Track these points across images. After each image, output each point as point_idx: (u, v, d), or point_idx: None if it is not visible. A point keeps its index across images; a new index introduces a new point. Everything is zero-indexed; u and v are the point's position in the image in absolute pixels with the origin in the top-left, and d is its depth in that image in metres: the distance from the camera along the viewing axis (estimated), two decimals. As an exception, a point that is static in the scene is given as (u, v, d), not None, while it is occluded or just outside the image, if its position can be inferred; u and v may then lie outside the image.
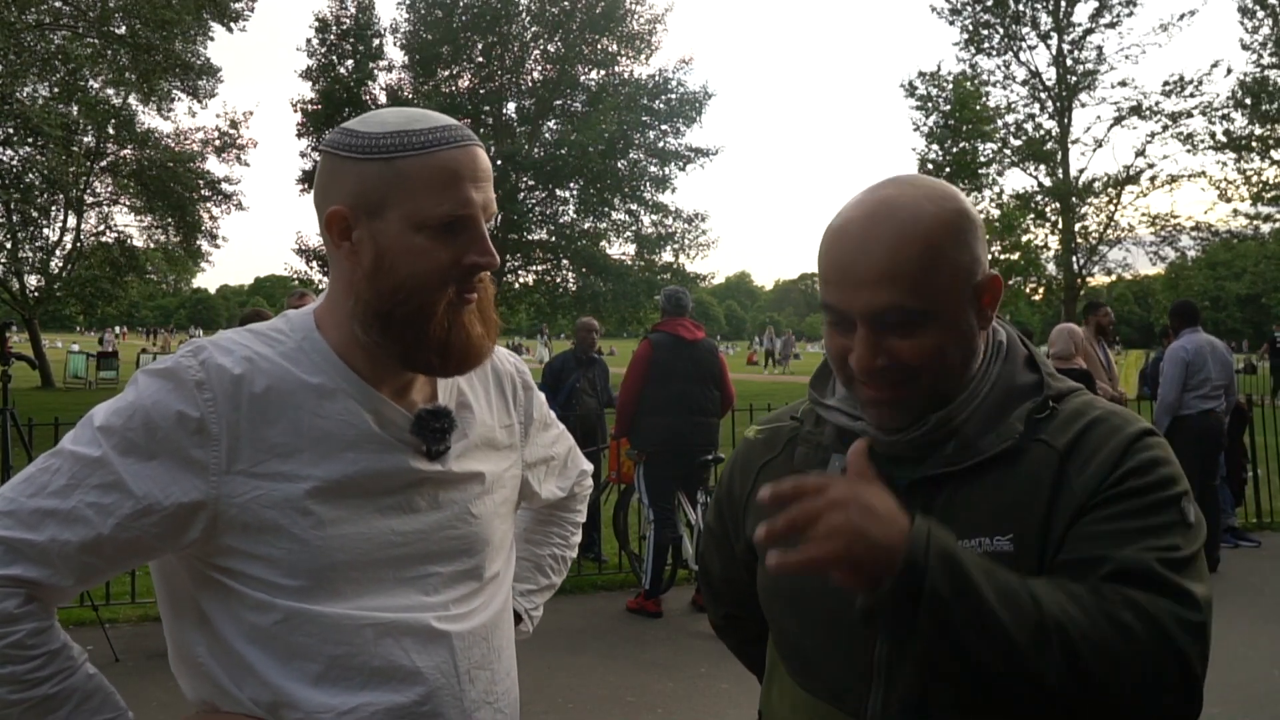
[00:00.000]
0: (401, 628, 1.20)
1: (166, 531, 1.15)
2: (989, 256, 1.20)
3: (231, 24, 23.49)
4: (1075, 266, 26.34)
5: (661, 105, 28.82)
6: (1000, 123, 25.99)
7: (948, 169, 23.20)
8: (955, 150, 23.55)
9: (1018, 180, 36.67)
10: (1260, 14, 24.78)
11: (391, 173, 1.15)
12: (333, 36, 28.23)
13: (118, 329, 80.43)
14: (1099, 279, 27.76)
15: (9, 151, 23.70)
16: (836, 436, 1.25)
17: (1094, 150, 27.96)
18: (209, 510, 1.15)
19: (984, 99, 25.00)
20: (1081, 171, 26.64)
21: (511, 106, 29.56)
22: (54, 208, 25.81)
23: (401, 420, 1.24)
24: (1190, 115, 24.88)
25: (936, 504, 1.16)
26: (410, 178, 1.15)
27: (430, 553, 1.25)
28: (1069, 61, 26.40)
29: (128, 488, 1.12)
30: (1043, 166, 26.42)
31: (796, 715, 1.25)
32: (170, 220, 26.08)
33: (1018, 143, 26.14)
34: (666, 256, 28.87)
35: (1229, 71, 29.95)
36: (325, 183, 1.21)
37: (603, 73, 29.29)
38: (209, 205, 26.21)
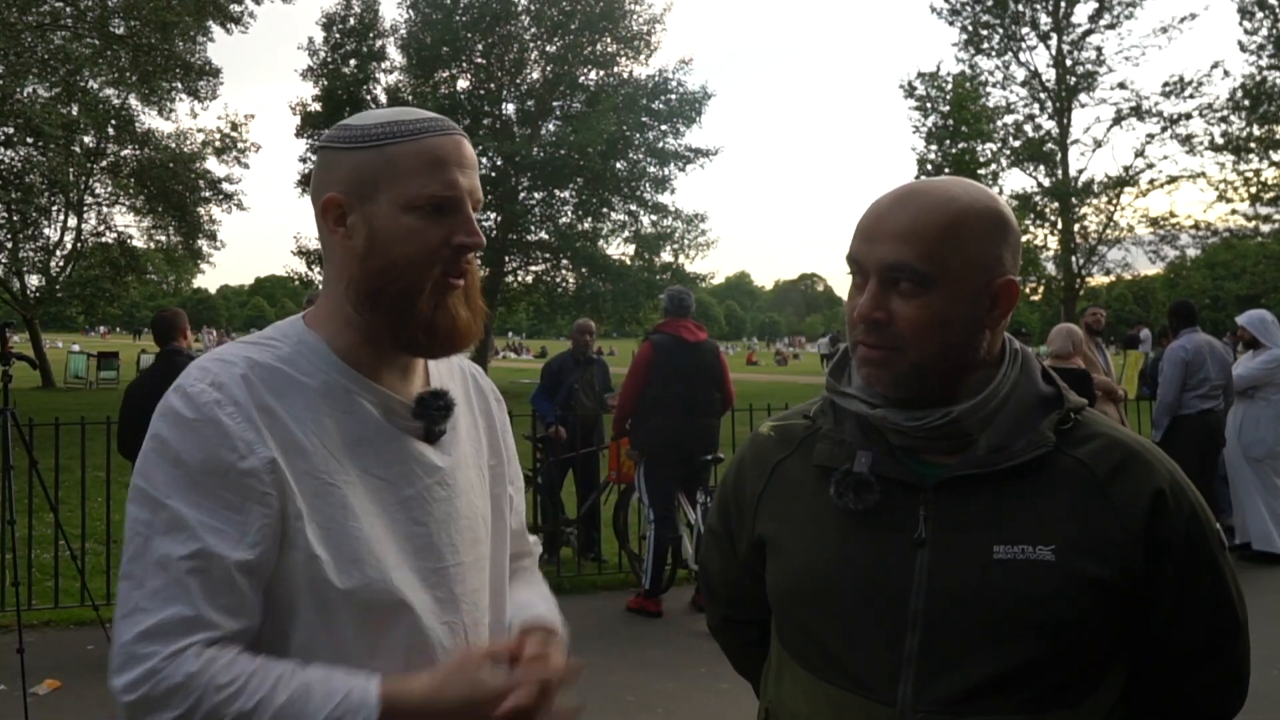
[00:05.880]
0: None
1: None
2: (1017, 268, 1.23)
3: (231, 25, 23.49)
4: (1075, 266, 26.37)
5: (661, 105, 28.85)
6: (1000, 123, 26.01)
7: (946, 169, 23.19)
8: (954, 151, 23.56)
9: (1017, 180, 36.68)
10: (1260, 15, 24.79)
11: (382, 159, 1.21)
12: (336, 35, 28.25)
13: (101, 329, 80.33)
14: (1098, 279, 27.79)
15: (9, 151, 23.70)
16: (859, 433, 1.26)
17: (1093, 151, 28.06)
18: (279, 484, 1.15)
19: (983, 99, 25.01)
20: (1081, 172, 26.69)
21: (511, 107, 29.61)
22: (54, 208, 25.83)
23: (403, 410, 1.26)
24: (1189, 117, 24.93)
25: (973, 506, 1.19)
26: (399, 162, 1.20)
27: (443, 541, 1.26)
28: (1069, 62, 26.42)
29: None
30: (1042, 167, 26.44)
31: (816, 708, 1.25)
32: (171, 221, 26.09)
33: (1017, 143, 26.16)
34: (666, 257, 28.92)
35: (1226, 74, 30.01)
36: (321, 174, 1.26)
37: (602, 73, 29.33)
38: (209, 205, 26.26)
